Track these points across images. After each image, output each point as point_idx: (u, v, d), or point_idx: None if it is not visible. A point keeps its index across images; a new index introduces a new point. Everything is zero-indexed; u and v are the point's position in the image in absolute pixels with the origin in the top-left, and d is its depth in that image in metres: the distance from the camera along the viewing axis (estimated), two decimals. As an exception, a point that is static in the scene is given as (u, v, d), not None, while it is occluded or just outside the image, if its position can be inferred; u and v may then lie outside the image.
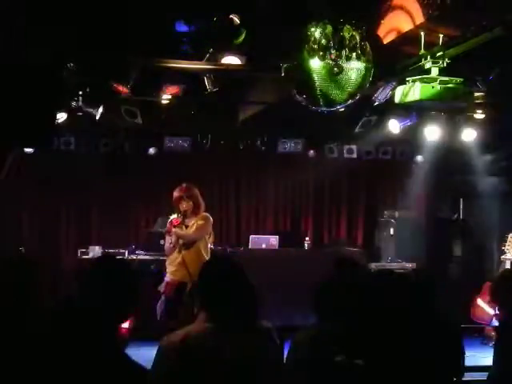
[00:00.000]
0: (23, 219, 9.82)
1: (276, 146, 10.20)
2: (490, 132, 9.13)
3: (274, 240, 9.46)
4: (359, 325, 3.32)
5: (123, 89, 6.94)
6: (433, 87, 5.51)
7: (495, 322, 7.18)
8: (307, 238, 9.97)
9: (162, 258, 7.80)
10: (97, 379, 2.40)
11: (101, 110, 7.57)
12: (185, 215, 6.77)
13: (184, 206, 6.77)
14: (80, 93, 7.33)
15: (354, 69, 5.10)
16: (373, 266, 9.45)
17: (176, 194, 6.83)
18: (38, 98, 5.34)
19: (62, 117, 7.57)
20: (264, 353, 2.91)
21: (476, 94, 7.23)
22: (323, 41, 4.99)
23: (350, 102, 5.30)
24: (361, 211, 10.96)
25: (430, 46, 5.50)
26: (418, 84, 5.53)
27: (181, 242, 6.76)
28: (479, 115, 8.41)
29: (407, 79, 5.70)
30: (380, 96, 7.13)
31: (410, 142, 10.09)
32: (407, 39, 5.47)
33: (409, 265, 9.54)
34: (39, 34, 5.54)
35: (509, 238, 8.35)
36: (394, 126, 8.78)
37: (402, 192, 10.58)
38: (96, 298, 2.67)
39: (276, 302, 7.98)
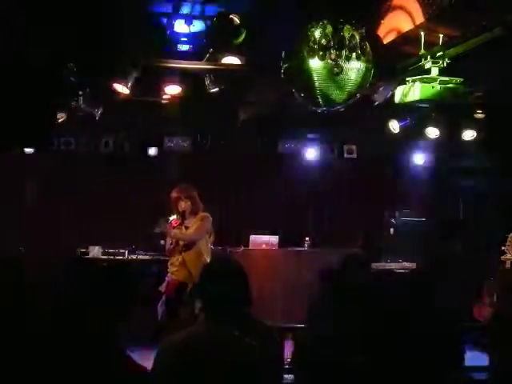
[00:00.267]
0: (23, 219, 9.81)
1: (276, 146, 10.21)
2: (490, 132, 9.13)
3: (274, 240, 9.46)
4: (359, 325, 3.32)
5: (123, 89, 6.94)
6: (433, 87, 5.51)
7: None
8: (307, 238, 9.96)
9: (162, 258, 7.80)
10: (97, 379, 2.40)
11: (101, 109, 7.57)
12: (183, 216, 6.76)
13: (182, 206, 6.76)
14: (80, 93, 7.33)
15: (354, 69, 5.10)
16: (373, 266, 9.43)
17: (174, 194, 6.83)
18: (38, 98, 5.35)
19: (62, 117, 7.57)
20: (264, 352, 2.91)
21: (476, 94, 7.23)
22: (323, 41, 4.99)
23: (350, 101, 5.30)
24: (361, 211, 10.95)
25: (430, 45, 5.50)
26: (417, 84, 5.53)
27: (181, 242, 6.76)
28: (479, 115, 8.41)
29: (407, 79, 5.70)
30: (380, 96, 7.13)
31: (409, 142, 10.09)
32: (407, 39, 5.47)
33: (409, 265, 9.54)
34: (39, 34, 5.53)
35: (509, 238, 8.34)
36: (394, 126, 8.78)
37: (402, 192, 10.58)
38: (96, 297, 2.67)
39: (276, 302, 7.99)
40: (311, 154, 10.38)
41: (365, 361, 3.23)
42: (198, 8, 6.53)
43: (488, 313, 7.95)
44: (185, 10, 6.51)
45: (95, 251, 9.14)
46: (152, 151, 9.82)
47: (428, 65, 5.66)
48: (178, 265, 6.75)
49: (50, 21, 5.56)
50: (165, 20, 6.63)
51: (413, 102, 5.64)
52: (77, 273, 3.00)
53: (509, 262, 8.26)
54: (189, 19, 6.56)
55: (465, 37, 5.39)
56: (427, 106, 6.42)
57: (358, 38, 5.04)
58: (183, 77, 7.18)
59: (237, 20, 5.95)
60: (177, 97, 7.54)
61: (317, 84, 5.10)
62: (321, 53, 5.00)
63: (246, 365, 2.83)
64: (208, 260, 6.70)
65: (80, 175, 9.72)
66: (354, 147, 10.46)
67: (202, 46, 6.37)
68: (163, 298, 6.81)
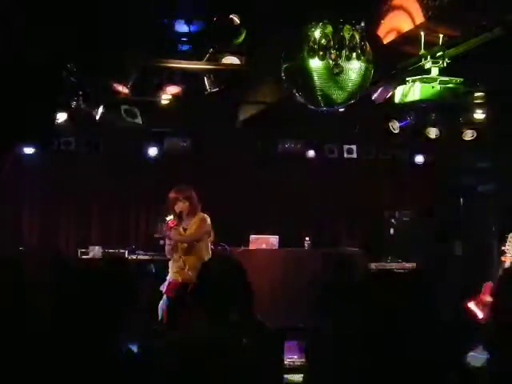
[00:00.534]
0: (23, 219, 9.82)
1: (276, 146, 10.21)
2: (490, 132, 9.13)
3: (274, 240, 9.46)
4: (359, 325, 3.32)
5: (123, 89, 6.94)
6: (433, 87, 5.51)
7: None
8: (307, 238, 9.96)
9: (161, 258, 7.79)
10: (97, 379, 2.40)
11: (101, 109, 7.57)
12: (180, 216, 6.74)
13: (180, 206, 6.75)
14: (80, 93, 7.33)
15: (355, 69, 5.09)
16: (373, 266, 9.44)
17: (172, 195, 6.82)
18: (38, 98, 5.35)
19: (62, 117, 7.57)
20: (264, 353, 2.91)
21: (476, 94, 7.23)
22: (323, 41, 4.98)
23: (350, 101, 5.29)
24: (361, 211, 10.96)
25: (430, 45, 5.49)
26: (417, 84, 5.52)
27: (180, 243, 6.76)
28: (479, 115, 8.41)
29: (407, 79, 5.70)
30: (380, 96, 7.13)
31: (409, 142, 10.09)
32: (407, 39, 5.46)
33: (409, 265, 9.54)
34: (39, 34, 5.53)
35: (509, 238, 8.34)
36: (394, 126, 8.78)
37: (402, 192, 10.58)
38: (96, 297, 2.67)
39: (276, 302, 7.99)
40: (311, 153, 10.37)
41: (363, 361, 3.23)
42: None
43: (487, 312, 7.96)
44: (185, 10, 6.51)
45: (95, 251, 9.14)
46: (152, 151, 9.82)
47: (428, 65, 5.65)
48: (177, 265, 6.75)
49: (50, 21, 5.56)
50: (165, 20, 6.62)
51: (413, 101, 5.63)
52: (76, 273, 3.00)
53: (509, 261, 8.27)
54: (189, 19, 6.56)
55: (465, 37, 5.38)
56: (427, 106, 6.43)
57: (357, 38, 5.04)
58: (183, 77, 7.18)
59: (237, 20, 5.95)
60: (177, 97, 7.53)
61: (317, 84, 5.09)
62: (321, 53, 4.99)
63: (245, 365, 2.83)
64: (208, 260, 6.69)
65: (80, 175, 9.73)
66: (354, 147, 10.46)
67: (202, 46, 6.37)
68: (164, 297, 6.81)
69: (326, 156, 10.48)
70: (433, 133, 8.96)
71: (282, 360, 3.29)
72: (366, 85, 5.28)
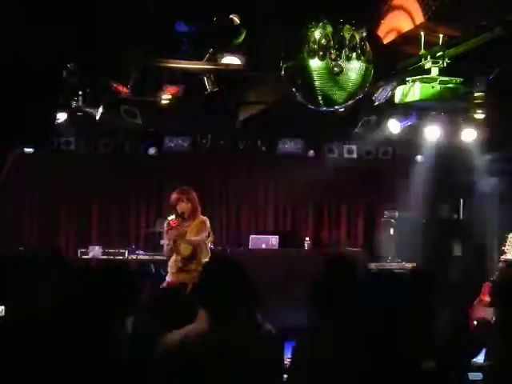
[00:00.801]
0: (23, 219, 9.82)
1: (276, 146, 10.21)
2: (490, 132, 9.12)
3: (274, 240, 9.47)
4: (358, 325, 3.31)
5: (123, 89, 6.93)
6: (433, 87, 5.51)
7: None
8: (307, 238, 9.97)
9: (161, 258, 7.79)
10: (97, 379, 2.40)
11: (101, 109, 7.56)
12: (182, 217, 6.74)
13: (183, 207, 6.75)
14: (80, 93, 7.32)
15: (354, 69, 5.09)
16: (373, 265, 9.44)
17: (175, 195, 6.82)
18: (38, 98, 5.34)
19: (62, 117, 7.57)
20: (264, 353, 2.91)
21: (476, 94, 7.23)
22: (323, 41, 4.98)
23: (350, 101, 5.29)
24: (361, 211, 10.96)
25: (430, 45, 5.49)
26: (417, 84, 5.53)
27: (180, 243, 6.76)
28: (479, 115, 8.41)
29: (407, 79, 5.70)
30: (380, 96, 7.13)
31: (409, 141, 10.08)
32: (407, 39, 5.46)
33: (409, 265, 9.54)
34: (39, 34, 5.53)
35: (509, 238, 8.34)
36: (394, 126, 8.78)
37: (402, 192, 10.57)
38: (96, 297, 2.67)
39: (276, 302, 7.98)
40: (311, 153, 10.37)
41: (363, 361, 3.23)
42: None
43: (486, 312, 7.95)
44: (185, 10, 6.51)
45: (95, 251, 9.14)
46: (152, 151, 9.82)
47: (428, 65, 5.66)
48: (177, 266, 6.75)
49: (50, 21, 5.56)
50: (165, 20, 6.62)
51: (413, 101, 5.64)
52: (76, 273, 3.00)
53: (509, 261, 8.27)
54: (189, 19, 6.55)
55: (465, 37, 5.38)
56: (427, 106, 6.42)
57: (357, 38, 5.03)
58: (183, 77, 7.18)
59: (237, 20, 5.95)
60: (177, 97, 7.53)
61: (317, 84, 5.09)
62: (321, 53, 4.99)
63: (246, 365, 2.83)
64: (207, 260, 6.69)
65: (80, 175, 9.73)
66: (354, 147, 10.46)
67: (202, 46, 6.36)
68: (163, 298, 6.81)
69: (326, 156, 10.48)
70: (432, 132, 8.96)
71: (282, 360, 3.28)
72: (366, 85, 5.28)
